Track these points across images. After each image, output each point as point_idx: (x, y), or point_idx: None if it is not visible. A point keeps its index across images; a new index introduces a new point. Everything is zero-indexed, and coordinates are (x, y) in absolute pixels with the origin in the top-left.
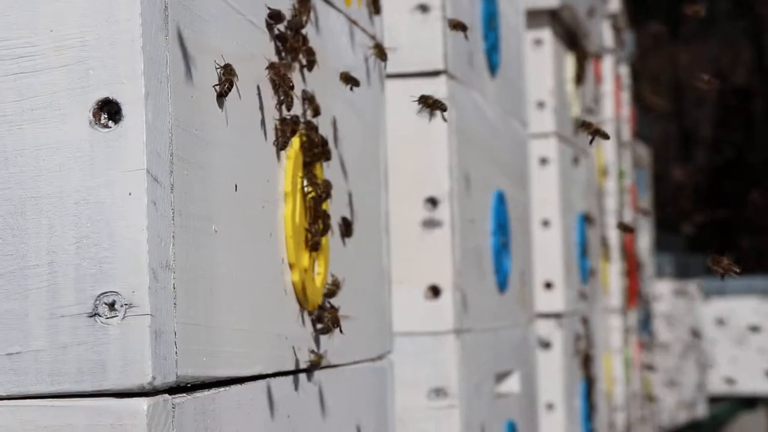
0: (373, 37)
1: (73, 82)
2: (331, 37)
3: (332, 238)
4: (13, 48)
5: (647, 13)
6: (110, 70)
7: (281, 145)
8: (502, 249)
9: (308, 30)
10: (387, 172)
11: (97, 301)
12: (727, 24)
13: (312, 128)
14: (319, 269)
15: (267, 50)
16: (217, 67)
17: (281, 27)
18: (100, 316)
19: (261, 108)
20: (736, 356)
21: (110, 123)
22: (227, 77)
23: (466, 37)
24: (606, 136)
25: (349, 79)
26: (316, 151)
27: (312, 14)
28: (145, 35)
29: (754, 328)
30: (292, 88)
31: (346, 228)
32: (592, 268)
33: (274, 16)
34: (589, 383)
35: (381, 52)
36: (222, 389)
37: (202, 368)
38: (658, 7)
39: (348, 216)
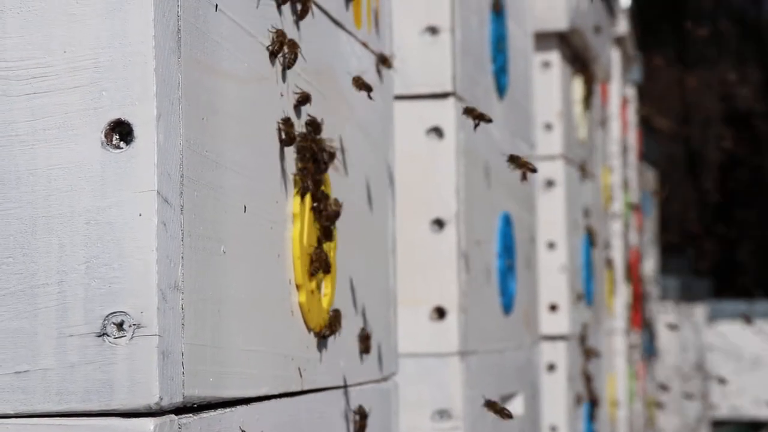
0: (382, 59)
1: (86, 102)
2: (341, 59)
3: (339, 258)
4: (26, 68)
5: (655, 38)
6: (123, 91)
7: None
8: (507, 271)
9: (317, 50)
10: (394, 193)
11: (106, 321)
12: (734, 46)
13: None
14: (326, 290)
15: (279, 73)
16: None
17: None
18: (108, 335)
19: (269, 129)
20: (740, 380)
21: (122, 144)
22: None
23: (474, 126)
24: (533, 170)
25: (362, 85)
26: (322, 166)
27: (325, 37)
28: (158, 57)
29: (759, 353)
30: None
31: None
32: (597, 290)
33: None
34: (593, 405)
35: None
36: (228, 410)
37: (209, 389)
38: (666, 32)
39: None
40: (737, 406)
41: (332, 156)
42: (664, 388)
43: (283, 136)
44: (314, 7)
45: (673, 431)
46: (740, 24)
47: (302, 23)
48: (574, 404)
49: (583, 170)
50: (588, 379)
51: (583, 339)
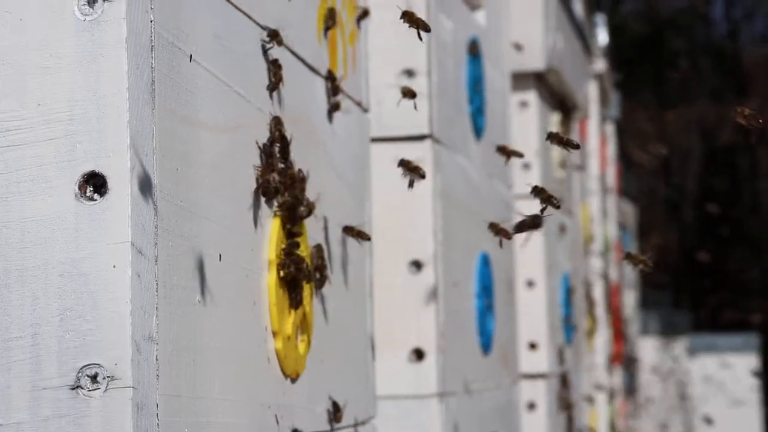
0: (359, 104)
1: (60, 155)
2: (316, 103)
3: (316, 304)
4: (1, 121)
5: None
6: (97, 143)
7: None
8: (486, 311)
9: (294, 96)
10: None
11: (80, 374)
12: (712, 81)
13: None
14: (302, 336)
15: (254, 121)
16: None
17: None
18: (82, 388)
19: (245, 177)
20: (722, 413)
21: (96, 196)
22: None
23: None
24: (520, 155)
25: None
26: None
27: (301, 83)
28: (131, 109)
29: (739, 385)
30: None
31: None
32: (577, 326)
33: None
34: None
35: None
36: None
37: None
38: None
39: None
40: None
41: (310, 212)
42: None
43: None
44: (289, 54)
45: None
46: (718, 58)
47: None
48: None
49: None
50: (569, 417)
51: (563, 380)
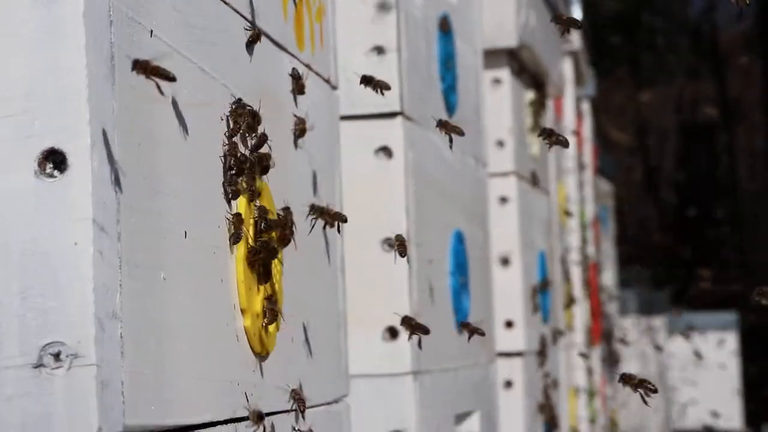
0: (327, 81)
1: (18, 131)
2: (284, 81)
3: (287, 280)
4: None
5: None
6: (56, 119)
7: (234, 240)
8: (461, 289)
9: (262, 74)
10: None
11: (43, 352)
12: (689, 60)
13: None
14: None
15: (218, 96)
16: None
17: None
18: (45, 366)
19: (210, 154)
20: (702, 392)
21: (56, 173)
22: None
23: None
24: (460, 132)
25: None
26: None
27: (267, 60)
28: (90, 85)
29: (720, 364)
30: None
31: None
32: (555, 305)
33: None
34: (552, 424)
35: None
36: None
37: (151, 417)
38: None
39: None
40: (700, 417)
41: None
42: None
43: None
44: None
45: None
46: (694, 37)
47: (241, 46)
48: (532, 421)
49: (536, 185)
50: (547, 396)
51: (541, 355)
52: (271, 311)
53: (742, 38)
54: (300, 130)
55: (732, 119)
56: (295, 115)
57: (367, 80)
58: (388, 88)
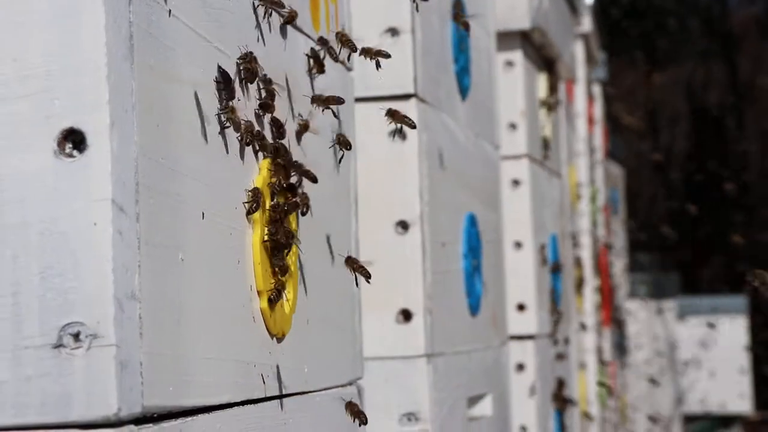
0: (342, 63)
1: (38, 111)
2: (299, 62)
3: (302, 263)
4: None
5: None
6: (75, 99)
7: (252, 208)
8: (473, 272)
9: (278, 54)
10: (357, 196)
11: (62, 332)
12: (699, 43)
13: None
14: (288, 295)
15: (235, 76)
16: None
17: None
18: (64, 347)
19: (227, 134)
20: (711, 375)
21: (75, 152)
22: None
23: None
24: (411, 125)
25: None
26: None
27: (283, 39)
28: (110, 64)
29: (728, 347)
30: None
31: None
32: (566, 288)
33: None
34: (562, 407)
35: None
36: (189, 419)
37: (169, 398)
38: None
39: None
40: (709, 401)
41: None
42: (634, 386)
43: (248, 139)
44: (272, 12)
45: (645, 428)
46: (706, 21)
47: (258, 27)
48: (543, 403)
49: (548, 168)
50: (559, 379)
51: (553, 339)
52: (276, 291)
53: (755, 21)
54: (302, 126)
55: (743, 102)
56: (300, 115)
57: (365, 51)
58: (387, 56)
